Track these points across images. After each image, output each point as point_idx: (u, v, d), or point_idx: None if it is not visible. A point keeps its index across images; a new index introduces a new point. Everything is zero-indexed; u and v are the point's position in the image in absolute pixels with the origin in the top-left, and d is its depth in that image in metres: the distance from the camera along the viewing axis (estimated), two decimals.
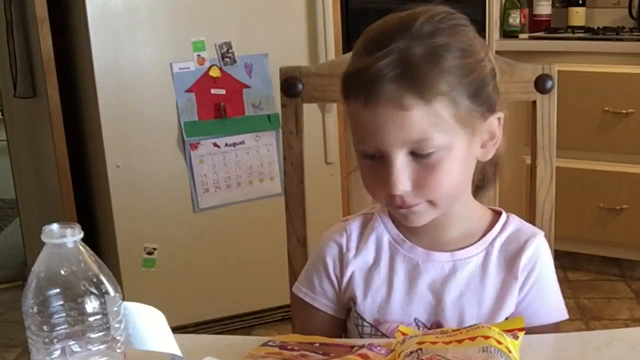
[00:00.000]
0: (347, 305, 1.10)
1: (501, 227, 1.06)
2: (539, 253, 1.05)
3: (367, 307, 1.06)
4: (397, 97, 0.91)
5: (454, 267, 1.04)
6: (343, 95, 0.99)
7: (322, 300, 1.11)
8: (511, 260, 1.04)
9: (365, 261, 1.08)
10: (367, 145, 0.95)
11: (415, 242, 1.06)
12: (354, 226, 1.10)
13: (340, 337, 1.10)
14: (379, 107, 0.92)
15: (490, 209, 1.10)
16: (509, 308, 1.03)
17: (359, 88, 0.93)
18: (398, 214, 1.01)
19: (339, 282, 1.09)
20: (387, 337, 1.03)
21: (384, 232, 1.08)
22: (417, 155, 0.94)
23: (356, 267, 1.08)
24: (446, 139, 0.94)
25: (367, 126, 0.94)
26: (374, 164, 0.96)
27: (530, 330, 0.95)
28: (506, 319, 1.03)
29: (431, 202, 0.97)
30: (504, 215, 1.08)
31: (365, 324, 1.07)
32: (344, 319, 1.11)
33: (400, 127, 0.92)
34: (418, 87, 0.91)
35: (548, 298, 1.06)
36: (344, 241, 1.09)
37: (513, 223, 1.07)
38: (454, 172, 0.96)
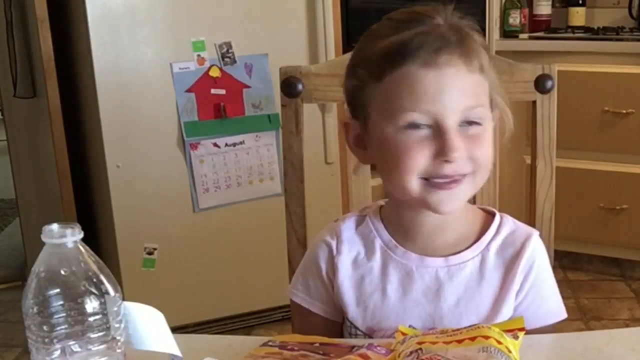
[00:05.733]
0: (341, 309, 1.08)
1: (496, 230, 1.04)
2: (536, 254, 1.04)
3: (360, 314, 1.04)
4: (463, 60, 0.94)
5: (449, 273, 1.02)
6: (378, 69, 0.96)
7: (319, 305, 1.09)
8: (509, 264, 1.03)
9: (355, 266, 1.05)
10: (422, 113, 0.93)
11: (408, 247, 1.03)
12: (345, 227, 1.07)
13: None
14: (446, 68, 0.93)
15: (481, 209, 1.09)
16: (506, 312, 1.02)
17: (425, 52, 0.93)
18: (432, 200, 0.96)
19: (332, 285, 1.07)
20: None
21: (376, 237, 1.05)
22: (464, 125, 0.94)
23: (346, 272, 1.05)
24: (486, 114, 0.97)
25: (430, 90, 0.93)
26: (421, 135, 0.94)
27: (527, 332, 0.95)
28: None
29: (473, 176, 0.96)
30: (497, 217, 1.06)
31: (359, 332, 1.05)
32: (341, 323, 1.10)
33: (463, 90, 0.94)
34: (475, 55, 0.95)
35: (546, 300, 1.05)
36: (334, 244, 1.06)
37: (507, 224, 1.05)
38: (491, 148, 0.97)
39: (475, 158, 0.95)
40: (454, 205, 0.98)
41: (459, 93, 0.94)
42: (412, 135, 0.94)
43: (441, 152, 0.93)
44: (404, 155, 0.94)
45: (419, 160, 0.94)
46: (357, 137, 1.03)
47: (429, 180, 0.95)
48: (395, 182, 0.97)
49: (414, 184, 0.95)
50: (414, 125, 0.94)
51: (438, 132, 0.93)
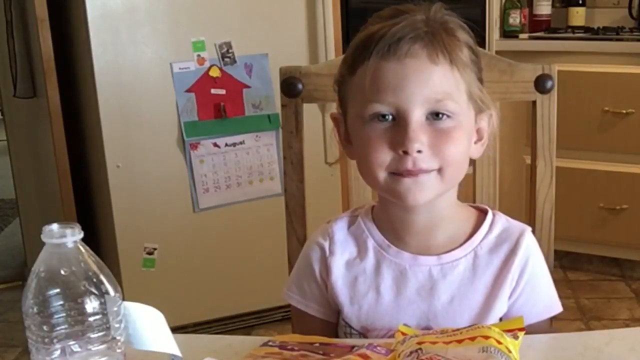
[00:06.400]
0: (336, 309, 1.08)
1: (488, 227, 1.04)
2: (530, 251, 1.04)
3: (354, 314, 1.05)
4: (427, 52, 0.93)
5: (442, 271, 1.02)
6: (351, 63, 0.98)
7: (314, 306, 1.09)
8: (503, 261, 1.03)
9: (349, 267, 1.06)
10: (384, 104, 0.94)
11: (401, 246, 1.04)
12: (337, 228, 1.08)
13: None
14: (408, 59, 0.93)
15: (474, 207, 1.09)
16: (500, 309, 1.02)
17: (384, 43, 0.93)
18: (400, 189, 0.96)
19: (326, 286, 1.07)
20: None
21: (368, 237, 1.06)
22: (432, 118, 0.94)
23: (339, 272, 1.06)
24: (459, 109, 0.95)
25: (391, 81, 0.93)
26: (384, 128, 0.94)
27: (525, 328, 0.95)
28: (500, 319, 1.02)
29: (440, 172, 0.95)
30: (490, 215, 1.06)
31: (354, 331, 1.05)
32: (337, 323, 1.10)
33: (426, 81, 0.93)
34: (444, 48, 0.94)
35: (541, 295, 1.05)
36: (327, 245, 1.07)
37: (500, 222, 1.05)
38: (462, 145, 0.96)
39: (441, 153, 0.94)
40: (421, 196, 0.96)
41: (421, 84, 0.93)
42: (377, 128, 0.95)
43: (401, 142, 0.93)
44: (369, 148, 0.96)
45: (382, 151, 0.95)
46: (345, 133, 1.05)
47: (394, 173, 0.96)
48: (364, 174, 0.99)
49: (381, 176, 0.96)
50: (379, 117, 0.95)
51: (400, 124, 0.94)
